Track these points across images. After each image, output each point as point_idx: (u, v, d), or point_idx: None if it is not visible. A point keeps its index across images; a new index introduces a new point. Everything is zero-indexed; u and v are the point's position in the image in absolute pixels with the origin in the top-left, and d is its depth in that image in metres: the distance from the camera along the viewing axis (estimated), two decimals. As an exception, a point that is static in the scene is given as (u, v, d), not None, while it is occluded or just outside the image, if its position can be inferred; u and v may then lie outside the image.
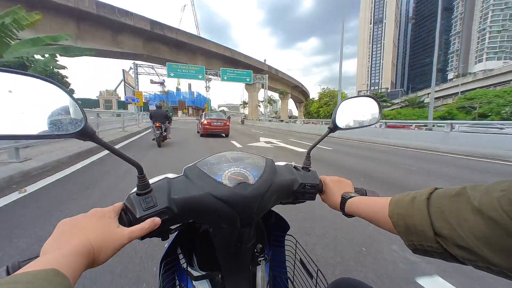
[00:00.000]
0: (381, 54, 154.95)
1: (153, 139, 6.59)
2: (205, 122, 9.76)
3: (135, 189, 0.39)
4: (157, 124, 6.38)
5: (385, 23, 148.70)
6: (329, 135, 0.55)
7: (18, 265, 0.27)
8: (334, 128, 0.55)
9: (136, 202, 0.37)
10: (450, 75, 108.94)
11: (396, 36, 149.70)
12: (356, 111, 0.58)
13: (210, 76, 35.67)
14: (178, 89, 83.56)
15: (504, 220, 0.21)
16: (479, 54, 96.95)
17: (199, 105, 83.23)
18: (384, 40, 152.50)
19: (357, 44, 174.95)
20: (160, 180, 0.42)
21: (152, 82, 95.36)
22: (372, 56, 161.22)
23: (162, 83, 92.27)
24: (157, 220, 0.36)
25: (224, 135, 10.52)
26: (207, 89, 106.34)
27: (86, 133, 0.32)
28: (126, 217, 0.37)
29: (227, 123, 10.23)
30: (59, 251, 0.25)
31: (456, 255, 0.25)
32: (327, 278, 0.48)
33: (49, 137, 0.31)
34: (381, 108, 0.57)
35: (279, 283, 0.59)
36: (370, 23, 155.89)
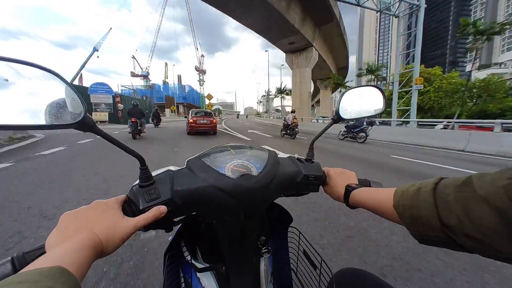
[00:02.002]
0: (389, 45, 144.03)
1: (129, 132, 7.99)
2: (191, 120, 10.03)
3: (138, 181, 0.39)
4: (133, 120, 7.89)
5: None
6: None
7: (23, 256, 0.27)
8: (337, 119, 0.55)
9: (139, 193, 0.38)
10: (469, 67, 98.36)
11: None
12: (360, 101, 0.57)
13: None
14: (165, 83, 68.44)
15: (511, 209, 0.21)
16: (508, 42, 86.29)
17: (192, 102, 68.44)
18: (391, 31, 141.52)
19: (357, 36, 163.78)
20: (162, 172, 0.42)
21: (133, 75, 79.61)
22: (378, 48, 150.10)
23: (146, 76, 77.09)
24: (162, 208, 0.36)
25: (212, 132, 10.65)
26: (201, 82, 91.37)
27: (86, 124, 0.32)
28: (130, 209, 0.37)
29: (214, 121, 10.45)
30: (65, 246, 0.25)
31: (463, 244, 0.26)
32: (331, 269, 0.48)
33: (48, 127, 0.31)
34: (385, 97, 0.57)
35: (282, 275, 0.60)
36: (377, 12, 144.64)
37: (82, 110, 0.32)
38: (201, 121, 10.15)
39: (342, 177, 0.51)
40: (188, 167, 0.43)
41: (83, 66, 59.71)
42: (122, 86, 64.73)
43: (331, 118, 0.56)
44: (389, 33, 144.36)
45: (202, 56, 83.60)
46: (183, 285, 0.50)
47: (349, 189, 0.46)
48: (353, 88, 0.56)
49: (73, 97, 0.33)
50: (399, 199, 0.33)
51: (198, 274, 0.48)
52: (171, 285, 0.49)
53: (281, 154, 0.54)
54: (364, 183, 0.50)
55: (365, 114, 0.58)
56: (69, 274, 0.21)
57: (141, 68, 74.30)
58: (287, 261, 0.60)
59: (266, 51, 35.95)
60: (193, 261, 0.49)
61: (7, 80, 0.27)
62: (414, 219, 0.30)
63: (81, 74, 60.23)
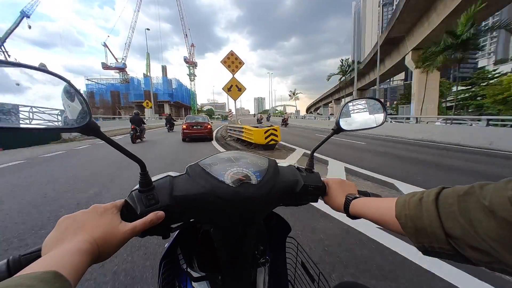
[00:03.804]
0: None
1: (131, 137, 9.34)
2: (184, 126, 9.74)
3: (137, 186, 0.39)
4: (132, 127, 9.21)
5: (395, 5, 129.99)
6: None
7: (19, 259, 0.27)
8: (338, 129, 0.55)
9: (138, 198, 0.37)
10: (483, 62, 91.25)
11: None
12: (361, 113, 0.58)
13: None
14: (146, 76, 54.46)
15: None
16: (529, 33, 78.94)
17: (181, 101, 54.94)
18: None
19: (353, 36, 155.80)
20: (162, 178, 0.42)
21: (105, 66, 63.85)
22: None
23: (122, 69, 62.47)
24: (160, 213, 0.36)
25: (208, 138, 9.89)
26: (191, 77, 77.60)
27: (90, 128, 0.32)
28: (128, 214, 0.36)
29: (208, 126, 9.86)
30: (61, 250, 0.25)
31: (469, 257, 0.25)
32: (329, 282, 0.47)
33: (54, 130, 0.31)
34: (386, 110, 0.57)
35: (279, 286, 0.58)
36: (379, 6, 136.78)
37: (87, 114, 0.33)
38: (194, 126, 9.68)
39: (342, 187, 0.50)
40: (188, 173, 0.43)
41: (7, 34, 45.83)
42: (93, 80, 50.30)
43: (332, 129, 0.56)
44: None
45: (192, 46, 70.16)
46: None
47: (349, 199, 0.46)
48: (354, 100, 0.57)
49: (78, 101, 0.33)
50: (401, 209, 0.32)
51: (194, 283, 0.47)
52: None
53: (281, 163, 0.53)
54: (364, 193, 0.49)
55: (365, 126, 0.57)
56: (64, 279, 0.20)
57: (116, 59, 59.39)
58: (285, 273, 0.58)
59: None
60: (188, 270, 0.48)
61: (18, 85, 0.28)
62: (418, 230, 0.29)
63: (4, 48, 45.77)
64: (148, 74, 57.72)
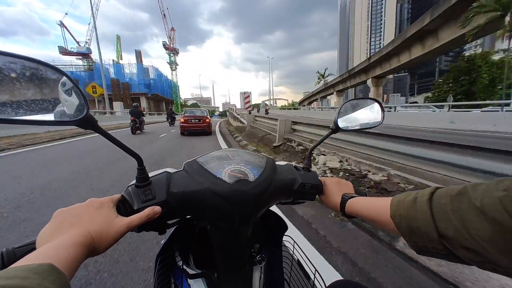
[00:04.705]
0: (382, 33, 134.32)
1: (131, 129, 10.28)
2: (182, 120, 9.83)
3: (134, 181, 0.39)
4: (132, 118, 9.90)
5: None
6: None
7: (12, 251, 0.27)
8: (336, 129, 0.55)
9: (134, 193, 0.37)
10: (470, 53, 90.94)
11: (399, 11, 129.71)
12: (359, 112, 0.58)
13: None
14: (116, 62, 44.74)
15: (508, 221, 0.21)
16: (518, 25, 78.73)
17: (160, 93, 46.14)
18: (385, 17, 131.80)
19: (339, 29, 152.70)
20: (159, 173, 0.42)
21: (63, 51, 52.94)
22: (370, 36, 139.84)
23: (86, 55, 51.75)
24: (157, 208, 0.36)
25: (207, 132, 10.08)
26: (173, 66, 67.57)
27: (87, 122, 0.32)
28: (124, 209, 0.37)
29: (207, 120, 9.90)
30: (57, 243, 0.25)
31: (462, 256, 0.25)
32: (325, 280, 0.48)
33: (50, 123, 0.31)
34: (383, 110, 0.58)
35: (275, 284, 0.58)
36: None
37: (84, 107, 0.32)
38: (192, 120, 9.71)
39: (339, 187, 0.51)
40: (185, 169, 0.43)
41: None
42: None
43: (330, 128, 0.56)
44: (381, 20, 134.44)
45: (173, 29, 60.48)
46: None
47: (345, 198, 0.46)
48: (352, 99, 0.58)
49: (75, 94, 0.32)
50: (396, 209, 0.33)
51: (189, 281, 0.47)
52: None
53: (279, 162, 0.53)
54: (361, 193, 0.50)
55: (364, 126, 0.59)
56: (59, 272, 0.20)
57: (77, 42, 48.48)
58: (281, 271, 0.59)
59: None
60: (184, 267, 0.48)
61: (13, 76, 0.28)
62: (412, 229, 0.30)
63: None
64: (120, 61, 47.87)
